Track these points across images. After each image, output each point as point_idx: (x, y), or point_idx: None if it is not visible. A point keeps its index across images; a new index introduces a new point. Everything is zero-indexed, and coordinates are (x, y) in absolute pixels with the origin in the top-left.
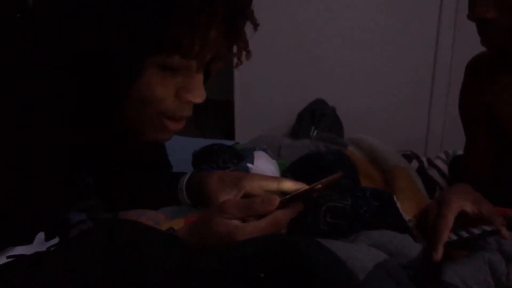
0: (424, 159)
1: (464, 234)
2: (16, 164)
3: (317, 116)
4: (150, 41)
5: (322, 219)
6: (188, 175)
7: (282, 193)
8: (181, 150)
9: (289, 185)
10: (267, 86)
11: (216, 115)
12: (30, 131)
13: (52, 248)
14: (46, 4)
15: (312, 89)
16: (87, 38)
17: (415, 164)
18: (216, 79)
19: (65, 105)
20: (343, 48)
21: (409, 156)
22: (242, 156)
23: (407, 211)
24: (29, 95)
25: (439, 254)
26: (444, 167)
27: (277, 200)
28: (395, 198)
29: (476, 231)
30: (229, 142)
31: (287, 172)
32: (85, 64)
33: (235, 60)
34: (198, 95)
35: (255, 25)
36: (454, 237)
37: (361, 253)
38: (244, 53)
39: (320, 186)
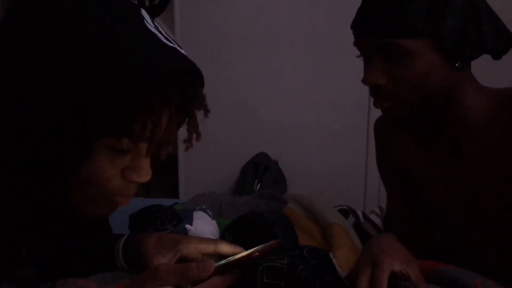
0: (360, 214)
1: None
2: None
3: (261, 170)
4: (103, 124)
5: (258, 280)
6: (125, 238)
7: (220, 256)
8: (123, 210)
9: (226, 248)
10: (210, 140)
11: (161, 170)
12: None
13: None
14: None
15: (255, 143)
16: (38, 117)
17: (351, 219)
18: None
19: (8, 177)
20: (284, 102)
21: (346, 211)
22: (181, 217)
23: (343, 267)
24: None
25: None
26: (378, 221)
27: (212, 266)
28: (331, 255)
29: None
30: (169, 202)
31: (226, 232)
32: (33, 140)
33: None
34: (144, 175)
35: (206, 112)
36: None
37: None
38: (194, 135)
39: (257, 254)
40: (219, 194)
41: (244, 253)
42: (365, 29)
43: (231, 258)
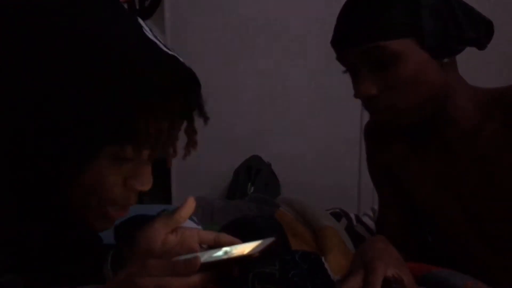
0: (353, 216)
1: None
2: None
3: (254, 173)
4: (107, 132)
5: (250, 286)
6: (114, 249)
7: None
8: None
9: (226, 238)
10: (202, 143)
11: (153, 175)
12: None
13: None
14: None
15: (247, 146)
16: (43, 121)
17: (344, 222)
18: None
19: (8, 180)
20: (278, 105)
21: (339, 214)
22: None
23: (335, 271)
24: None
25: None
26: (371, 223)
27: (198, 261)
28: (323, 259)
29: None
30: (156, 209)
31: None
32: (35, 145)
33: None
34: (146, 183)
35: (206, 119)
36: None
37: None
38: (191, 142)
39: (257, 255)
40: (211, 199)
41: (244, 251)
42: (348, 39)
43: (229, 254)
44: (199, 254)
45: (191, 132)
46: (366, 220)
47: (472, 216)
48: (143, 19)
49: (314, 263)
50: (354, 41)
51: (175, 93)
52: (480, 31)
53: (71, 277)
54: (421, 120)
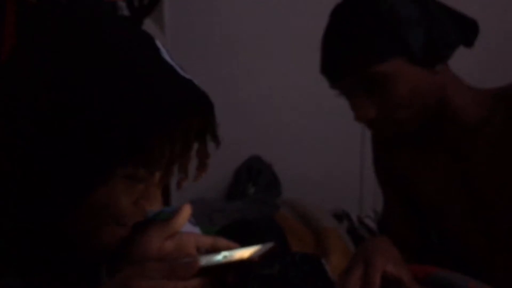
0: (354, 218)
1: None
2: None
3: (254, 173)
4: (122, 154)
5: None
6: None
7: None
8: None
9: (223, 243)
10: None
11: None
12: None
13: None
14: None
15: (248, 146)
16: (58, 141)
17: (345, 223)
18: None
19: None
20: (278, 104)
21: (340, 216)
22: None
23: (336, 272)
24: None
25: None
26: (373, 225)
27: (197, 264)
28: (323, 260)
29: None
30: (152, 211)
31: None
32: (48, 164)
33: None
34: (156, 204)
35: (218, 144)
36: None
37: None
38: (202, 165)
39: (257, 260)
40: (210, 200)
41: (243, 255)
42: (337, 72)
43: (229, 258)
44: (198, 257)
45: (204, 155)
46: (368, 222)
47: (478, 215)
48: (142, 18)
49: (314, 265)
50: (343, 73)
51: (190, 117)
52: (466, 32)
53: (68, 282)
54: (424, 124)
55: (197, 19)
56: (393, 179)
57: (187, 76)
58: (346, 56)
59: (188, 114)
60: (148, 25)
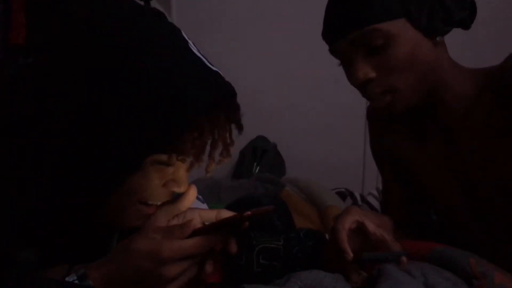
0: (358, 196)
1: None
2: None
3: (259, 153)
4: (156, 143)
5: (255, 261)
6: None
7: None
8: None
9: (226, 214)
10: None
11: None
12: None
13: None
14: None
15: (253, 126)
16: (98, 133)
17: (349, 201)
18: None
19: (51, 184)
20: (282, 85)
21: (344, 194)
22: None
23: None
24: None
25: (349, 253)
26: (376, 203)
27: (191, 225)
28: (327, 236)
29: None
30: None
31: None
32: (85, 150)
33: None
34: (184, 186)
35: (241, 130)
36: (367, 256)
37: None
38: (225, 152)
39: (250, 213)
40: (218, 178)
41: (236, 214)
42: (340, 28)
43: (222, 215)
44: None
45: (228, 143)
46: (371, 199)
47: (472, 198)
48: (147, 1)
49: (319, 241)
50: (346, 29)
51: (219, 108)
52: (464, 12)
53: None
54: (416, 104)
55: (201, 5)
56: (389, 161)
57: (214, 68)
58: (352, 12)
59: (217, 108)
60: (155, 6)
